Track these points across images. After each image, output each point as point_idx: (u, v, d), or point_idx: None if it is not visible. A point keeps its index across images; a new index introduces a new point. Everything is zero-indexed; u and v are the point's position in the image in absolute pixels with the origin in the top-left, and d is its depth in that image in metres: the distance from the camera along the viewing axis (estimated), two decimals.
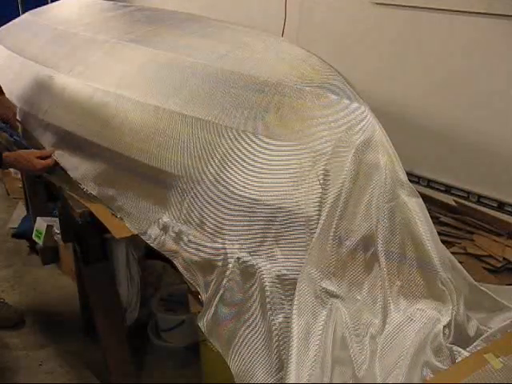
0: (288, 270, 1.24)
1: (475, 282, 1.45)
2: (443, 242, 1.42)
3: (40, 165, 1.67)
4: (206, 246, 1.31)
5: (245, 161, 1.30)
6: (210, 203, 1.31)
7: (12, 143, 1.90)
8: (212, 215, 1.31)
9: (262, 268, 1.24)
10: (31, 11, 2.68)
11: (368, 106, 1.35)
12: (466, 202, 2.14)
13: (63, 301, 2.53)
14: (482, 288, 1.45)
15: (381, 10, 2.33)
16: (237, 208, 1.28)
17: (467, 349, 1.26)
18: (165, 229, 1.40)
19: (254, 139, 1.32)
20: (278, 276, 1.23)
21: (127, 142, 1.54)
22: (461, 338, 1.29)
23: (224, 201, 1.29)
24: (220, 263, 1.28)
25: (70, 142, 1.77)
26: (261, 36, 1.71)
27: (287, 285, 1.23)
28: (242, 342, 1.23)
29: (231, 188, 1.29)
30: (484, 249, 1.80)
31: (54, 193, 1.83)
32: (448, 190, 2.24)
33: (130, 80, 1.69)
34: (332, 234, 1.25)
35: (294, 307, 1.17)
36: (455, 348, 1.25)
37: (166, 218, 1.40)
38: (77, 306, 2.31)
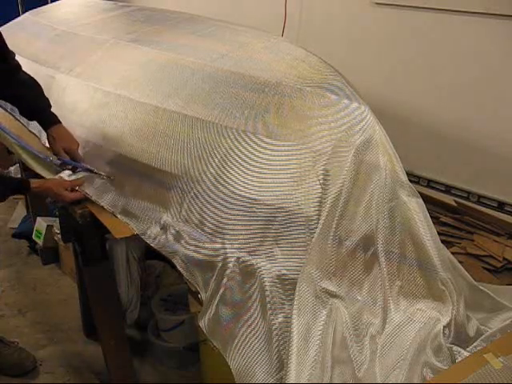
0: (288, 269, 1.23)
1: (475, 282, 1.45)
2: (443, 241, 1.41)
3: (69, 199, 1.60)
4: (205, 246, 1.30)
5: (245, 161, 1.30)
6: (209, 203, 1.31)
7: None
8: (212, 215, 1.30)
9: (262, 268, 1.24)
10: (31, 11, 2.68)
11: (368, 106, 1.35)
12: (466, 202, 2.14)
13: (63, 301, 2.53)
14: (482, 288, 1.45)
15: (381, 10, 2.33)
16: (237, 208, 1.28)
17: (467, 349, 1.26)
18: (165, 228, 1.40)
19: (254, 139, 1.32)
20: (278, 276, 1.23)
21: (127, 141, 1.54)
22: (461, 337, 1.29)
23: (224, 201, 1.29)
24: (220, 263, 1.28)
25: None
26: (261, 36, 1.70)
27: (287, 285, 1.22)
28: (242, 341, 1.23)
29: (231, 188, 1.29)
30: (484, 249, 1.80)
31: None
32: (448, 190, 2.23)
33: (130, 80, 1.69)
34: (332, 233, 1.25)
35: (294, 307, 1.17)
36: (455, 348, 1.25)
37: (165, 218, 1.40)
38: (77, 306, 2.31)
